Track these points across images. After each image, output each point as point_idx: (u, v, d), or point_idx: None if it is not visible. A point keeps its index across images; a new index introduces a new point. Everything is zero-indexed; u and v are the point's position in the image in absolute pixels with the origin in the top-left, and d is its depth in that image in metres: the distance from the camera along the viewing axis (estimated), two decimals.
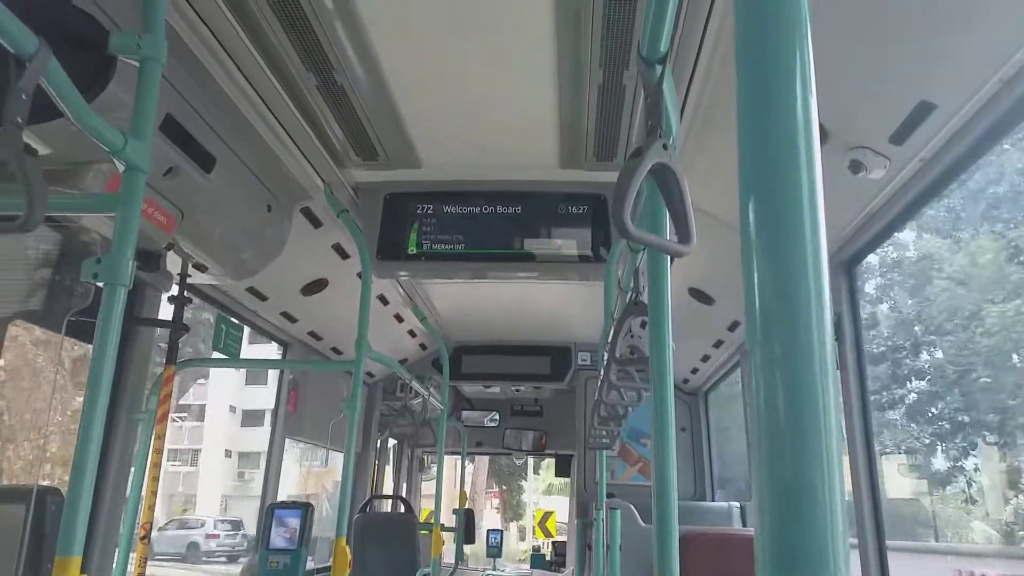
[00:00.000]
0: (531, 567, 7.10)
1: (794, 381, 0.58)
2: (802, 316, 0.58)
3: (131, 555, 2.86)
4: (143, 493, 2.96)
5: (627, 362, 2.08)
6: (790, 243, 0.60)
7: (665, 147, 1.01)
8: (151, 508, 2.93)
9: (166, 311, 3.09)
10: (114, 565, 2.83)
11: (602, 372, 3.15)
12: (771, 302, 0.60)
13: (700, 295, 4.06)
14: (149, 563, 2.96)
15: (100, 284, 1.55)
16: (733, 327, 4.31)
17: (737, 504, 4.53)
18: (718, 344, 4.76)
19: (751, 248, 0.61)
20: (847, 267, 3.04)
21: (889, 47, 1.94)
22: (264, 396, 29.36)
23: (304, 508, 2.85)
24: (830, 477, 0.56)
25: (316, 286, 4.16)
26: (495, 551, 7.67)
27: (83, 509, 1.42)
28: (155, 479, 2.97)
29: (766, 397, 0.58)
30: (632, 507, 3.70)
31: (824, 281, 0.60)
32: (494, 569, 7.57)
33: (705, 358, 5.17)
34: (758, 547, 0.56)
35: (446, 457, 6.15)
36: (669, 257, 1.52)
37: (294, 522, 2.80)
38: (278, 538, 2.80)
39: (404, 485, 8.17)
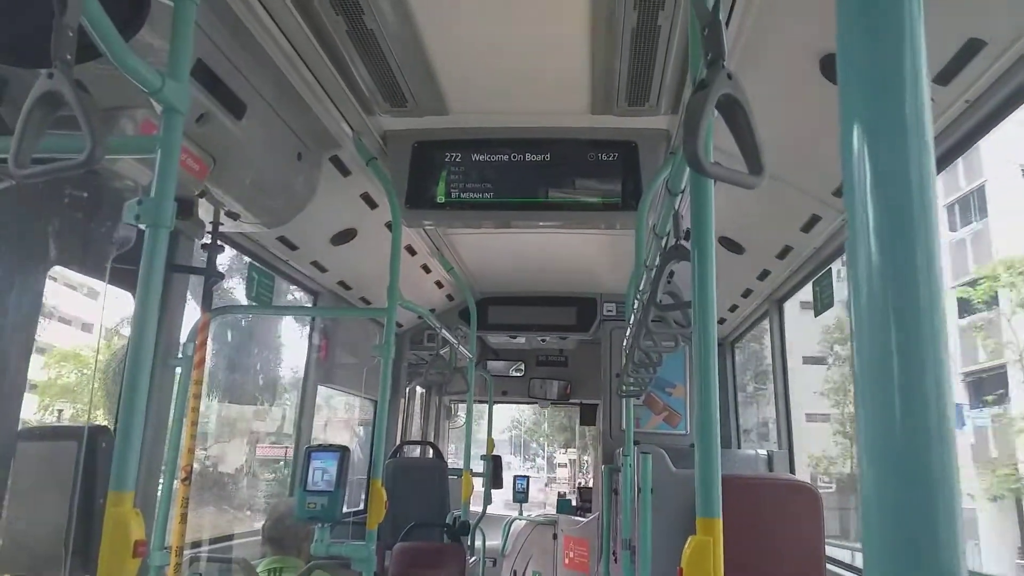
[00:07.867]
0: (557, 512, 7.21)
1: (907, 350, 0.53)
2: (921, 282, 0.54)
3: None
4: (183, 437, 3.04)
5: (669, 307, 2.06)
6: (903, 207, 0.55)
7: (730, 77, 0.98)
8: (191, 451, 3.01)
9: None
10: (157, 505, 2.92)
11: (632, 319, 3.15)
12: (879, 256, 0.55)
13: (730, 244, 4.02)
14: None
15: (142, 227, 1.56)
16: (763, 276, 4.27)
17: (764, 452, 4.55)
18: (747, 294, 4.73)
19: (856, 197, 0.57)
20: None
21: None
22: None
23: (341, 451, 2.90)
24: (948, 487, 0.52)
25: (345, 236, 4.18)
26: (521, 496, 7.79)
27: (134, 447, 1.46)
28: (194, 423, 3.04)
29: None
30: (663, 452, 3.74)
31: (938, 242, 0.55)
32: (520, 515, 7.70)
33: (732, 308, 5.14)
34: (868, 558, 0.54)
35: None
36: (713, 200, 1.49)
37: (331, 464, 2.87)
38: (316, 480, 2.87)
39: (432, 432, 8.31)
